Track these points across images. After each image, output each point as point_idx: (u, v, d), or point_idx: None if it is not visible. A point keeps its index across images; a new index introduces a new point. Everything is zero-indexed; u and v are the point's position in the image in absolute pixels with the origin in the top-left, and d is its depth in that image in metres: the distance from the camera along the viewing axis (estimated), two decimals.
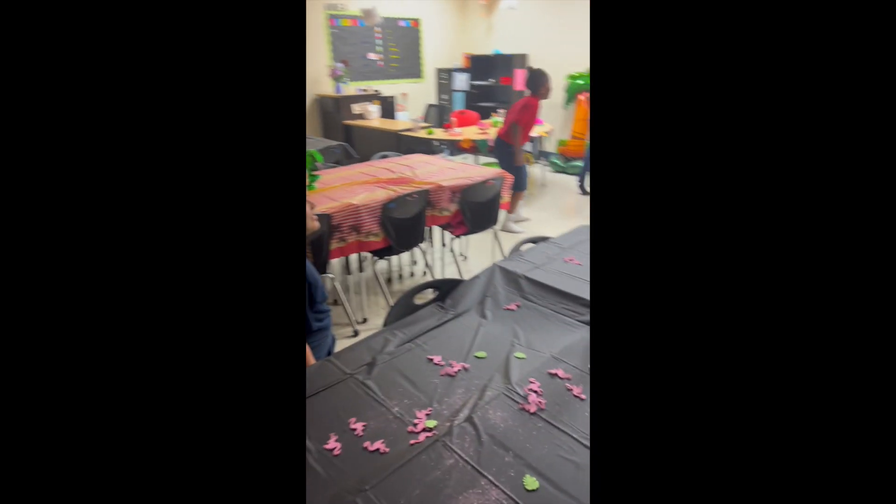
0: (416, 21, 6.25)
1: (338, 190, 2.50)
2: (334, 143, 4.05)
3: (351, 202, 2.27)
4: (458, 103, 6.57)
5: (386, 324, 1.30)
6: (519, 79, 6.12)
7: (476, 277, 1.48)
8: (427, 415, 0.95)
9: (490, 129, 4.57)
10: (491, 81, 6.39)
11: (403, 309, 1.35)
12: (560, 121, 6.03)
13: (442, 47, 6.68)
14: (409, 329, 1.26)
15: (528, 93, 3.56)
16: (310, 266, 1.34)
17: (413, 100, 6.38)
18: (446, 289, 1.43)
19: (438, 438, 0.89)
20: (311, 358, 1.29)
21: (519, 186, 3.63)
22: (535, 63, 6.11)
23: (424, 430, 0.91)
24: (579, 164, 5.04)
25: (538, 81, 3.48)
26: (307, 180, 2.38)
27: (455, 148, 5.55)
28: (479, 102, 6.39)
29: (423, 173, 2.84)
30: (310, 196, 2.23)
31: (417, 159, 3.26)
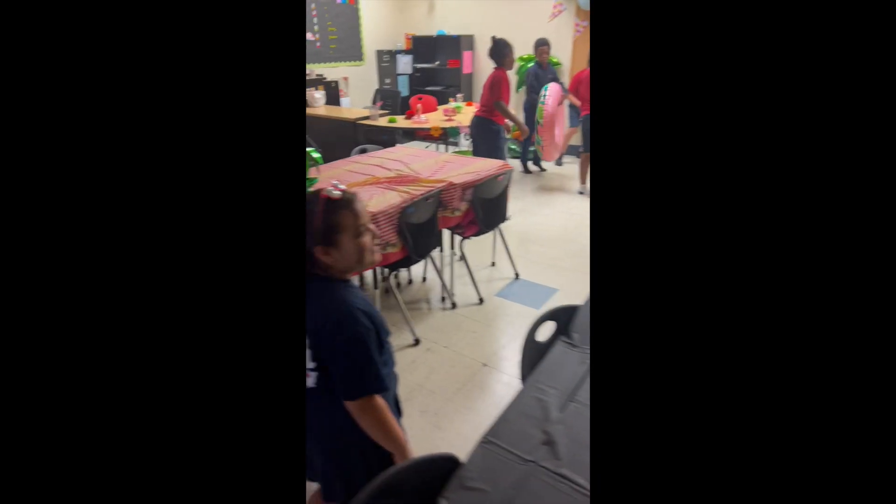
0: None
1: None
2: None
3: (367, 209, 1.92)
4: (403, 87, 6.19)
5: (523, 376, 1.04)
6: (468, 61, 5.87)
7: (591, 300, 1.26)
8: None
9: (456, 115, 4.30)
10: (436, 64, 6.08)
11: (533, 353, 1.09)
12: (512, 105, 5.89)
13: (382, 27, 6.22)
14: (555, 380, 1.00)
15: (492, 65, 3.48)
16: (367, 303, 0.95)
17: (354, 84, 5.89)
18: (565, 318, 1.19)
19: None
20: (394, 426, 0.92)
21: None
22: (482, 45, 5.90)
23: None
24: (532, 149, 4.97)
25: (502, 52, 3.41)
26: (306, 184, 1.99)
27: (414, 136, 5.21)
28: (426, 87, 6.06)
29: (422, 169, 2.53)
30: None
31: (405, 153, 2.93)
